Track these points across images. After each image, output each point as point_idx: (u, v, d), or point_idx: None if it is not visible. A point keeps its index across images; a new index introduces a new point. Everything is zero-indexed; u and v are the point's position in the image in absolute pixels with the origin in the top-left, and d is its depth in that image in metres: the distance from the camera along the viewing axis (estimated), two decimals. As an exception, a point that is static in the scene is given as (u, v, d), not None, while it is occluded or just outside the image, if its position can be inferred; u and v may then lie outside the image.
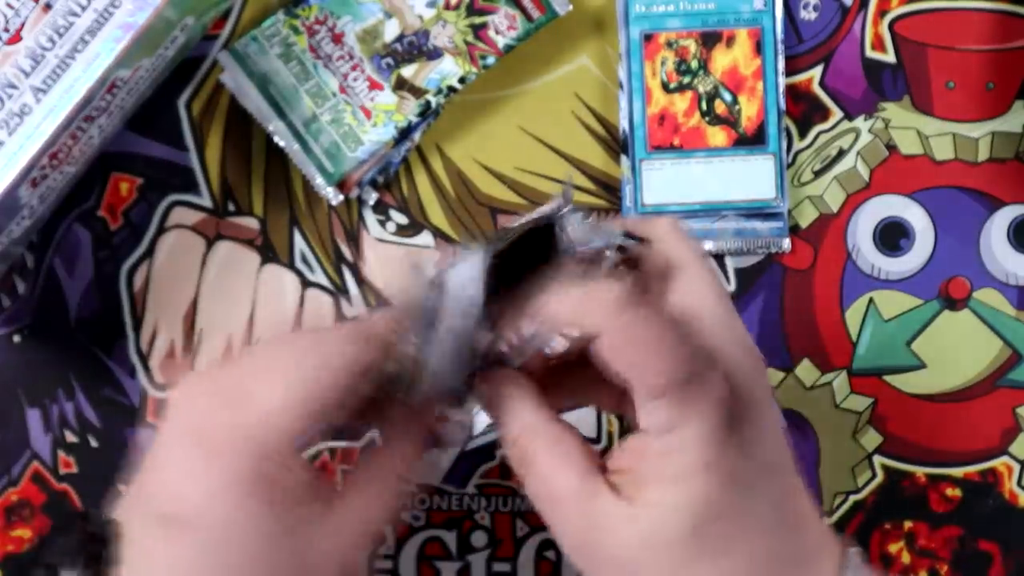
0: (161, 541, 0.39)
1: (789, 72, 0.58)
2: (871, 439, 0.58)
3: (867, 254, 0.58)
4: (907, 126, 0.58)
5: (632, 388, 0.39)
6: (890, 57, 0.58)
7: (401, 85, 0.57)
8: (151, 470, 0.40)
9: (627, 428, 0.59)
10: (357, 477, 0.42)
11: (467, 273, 0.40)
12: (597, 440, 0.58)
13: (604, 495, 0.39)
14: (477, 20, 0.57)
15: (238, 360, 0.42)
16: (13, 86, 0.50)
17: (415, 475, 0.43)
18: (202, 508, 0.38)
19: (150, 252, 0.58)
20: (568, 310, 0.40)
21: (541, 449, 0.41)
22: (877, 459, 0.58)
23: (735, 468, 0.39)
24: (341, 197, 0.57)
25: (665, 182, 0.57)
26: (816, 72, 0.58)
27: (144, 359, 0.58)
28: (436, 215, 0.58)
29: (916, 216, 0.58)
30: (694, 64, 0.57)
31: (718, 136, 0.57)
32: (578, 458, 0.40)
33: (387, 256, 0.58)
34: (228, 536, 0.38)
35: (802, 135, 0.58)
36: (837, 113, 0.58)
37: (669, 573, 0.39)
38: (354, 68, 0.57)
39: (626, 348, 0.39)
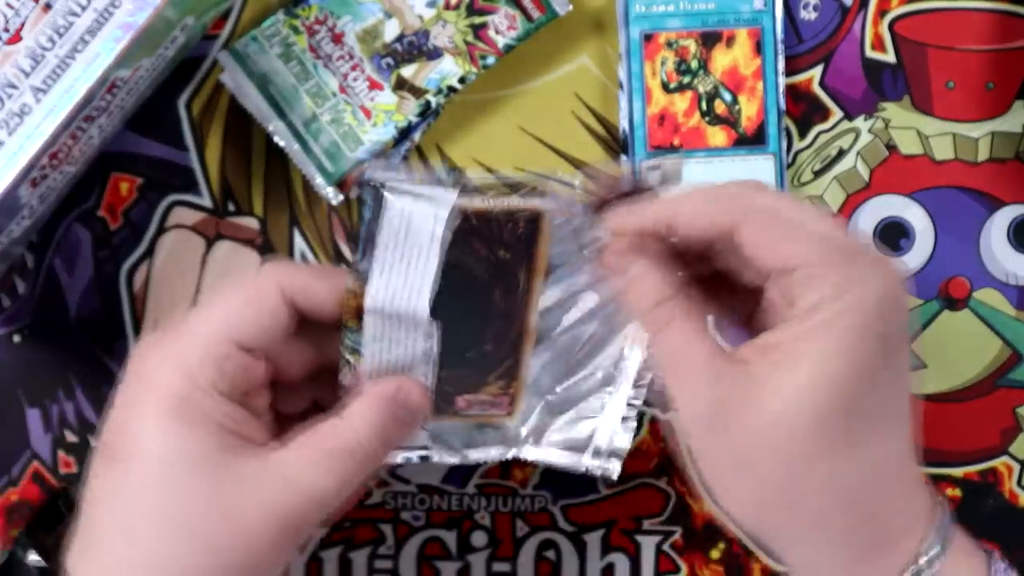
0: (109, 476, 0.40)
1: (789, 72, 0.58)
2: (871, 439, 0.58)
3: (867, 254, 0.58)
4: (907, 126, 0.58)
5: (788, 267, 0.39)
6: (890, 57, 0.58)
7: (401, 85, 0.57)
8: (108, 414, 0.42)
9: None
10: (302, 437, 0.42)
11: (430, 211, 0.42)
12: (597, 440, 0.58)
13: (742, 365, 0.39)
14: (477, 20, 0.57)
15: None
16: (13, 86, 0.50)
17: (372, 449, 0.42)
18: (137, 438, 0.40)
19: (150, 252, 0.58)
20: (702, 209, 0.41)
21: (679, 314, 0.40)
22: (877, 459, 0.58)
23: (879, 358, 0.38)
24: (341, 197, 0.57)
25: (665, 182, 0.57)
26: (816, 72, 0.58)
27: (144, 359, 0.58)
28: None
29: (916, 216, 0.58)
30: (694, 64, 0.57)
31: (718, 136, 0.57)
32: (710, 339, 0.40)
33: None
34: (161, 464, 0.40)
35: (802, 135, 0.58)
36: (837, 113, 0.58)
37: (795, 460, 0.38)
38: (354, 68, 0.57)
39: (776, 228, 0.39)
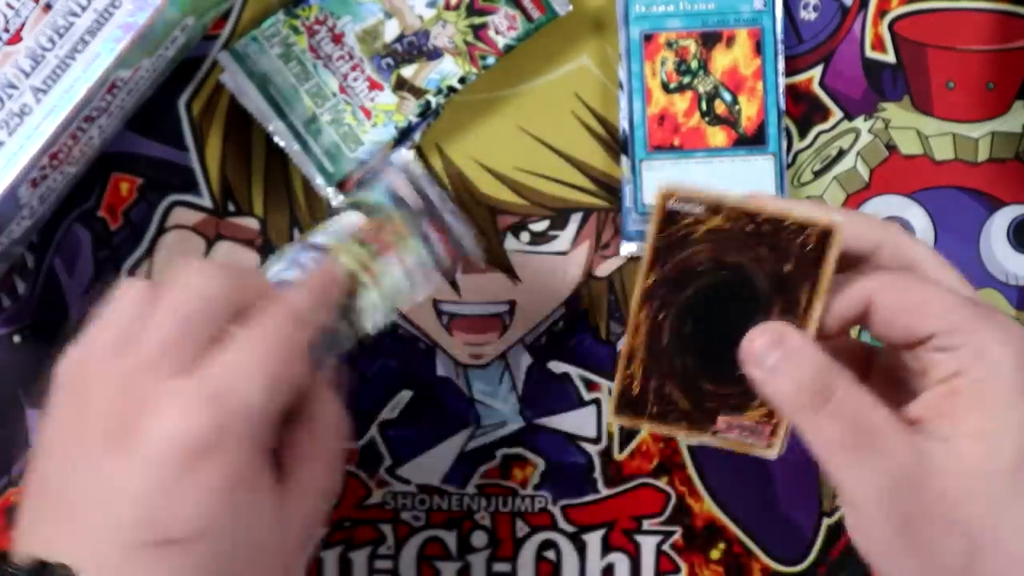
0: (157, 564, 0.38)
1: (789, 72, 0.58)
2: (871, 439, 0.58)
3: (867, 254, 0.58)
4: (907, 126, 0.58)
5: (924, 337, 0.39)
6: (890, 57, 0.58)
7: (401, 85, 0.57)
8: (121, 493, 0.39)
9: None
10: (297, 453, 0.42)
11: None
12: (597, 440, 0.58)
13: (923, 433, 0.39)
14: (477, 20, 0.57)
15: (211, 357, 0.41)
16: (13, 86, 0.50)
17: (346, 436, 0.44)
18: (203, 524, 0.38)
19: (150, 252, 0.58)
20: (859, 288, 0.41)
21: (847, 389, 0.40)
22: (877, 459, 0.58)
23: None
24: (341, 197, 0.57)
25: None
26: (816, 72, 0.58)
27: (144, 359, 0.58)
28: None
29: (916, 216, 0.58)
30: (694, 64, 0.57)
31: (718, 136, 0.57)
32: (882, 402, 0.40)
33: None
34: (226, 540, 0.39)
35: (802, 135, 0.58)
36: (837, 113, 0.58)
37: (1002, 504, 0.39)
38: (354, 68, 0.57)
39: (912, 299, 0.40)
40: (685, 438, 0.45)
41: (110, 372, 0.40)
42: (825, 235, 0.40)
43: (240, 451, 0.39)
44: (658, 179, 0.57)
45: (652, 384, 0.42)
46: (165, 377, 0.39)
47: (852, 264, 0.42)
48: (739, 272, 0.41)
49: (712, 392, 0.42)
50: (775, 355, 0.40)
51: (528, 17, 0.57)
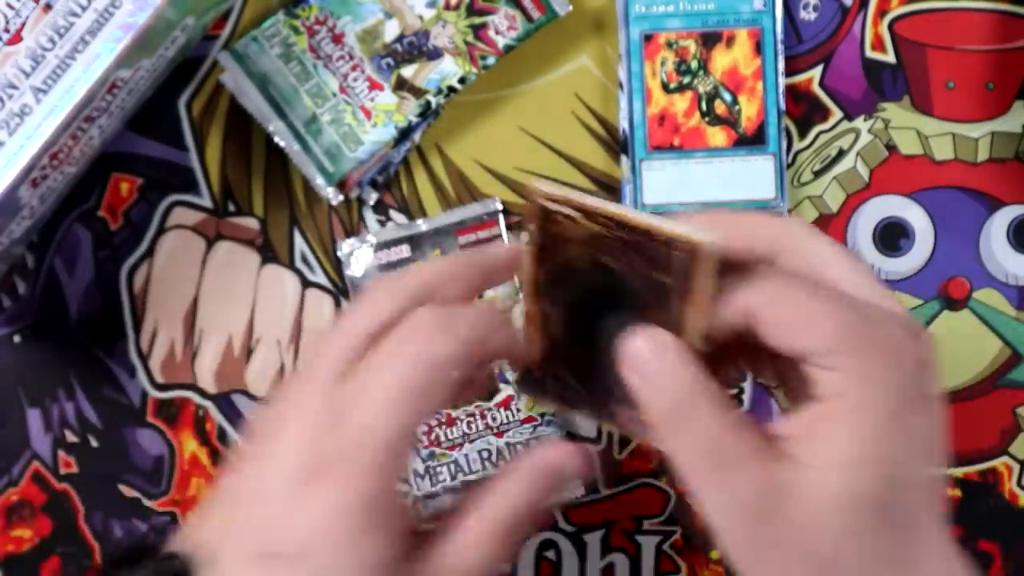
0: (262, 570, 0.37)
1: (789, 72, 0.58)
2: (871, 439, 0.58)
3: (867, 254, 0.58)
4: (907, 126, 0.58)
5: (803, 355, 0.37)
6: (890, 57, 0.58)
7: (401, 85, 0.57)
8: (245, 502, 0.38)
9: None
10: (459, 518, 0.39)
11: None
12: (597, 440, 0.58)
13: (784, 458, 0.37)
14: (477, 20, 0.57)
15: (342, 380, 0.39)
16: (13, 86, 0.50)
17: (529, 516, 0.40)
18: (309, 542, 0.37)
19: (150, 252, 0.58)
20: (740, 300, 0.38)
21: (707, 410, 0.38)
22: (877, 459, 0.58)
23: (920, 430, 0.38)
24: (341, 197, 0.57)
25: (665, 182, 0.57)
26: (816, 72, 0.58)
27: (144, 359, 0.58)
28: (436, 215, 0.58)
29: (916, 216, 0.58)
30: (694, 64, 0.57)
31: (718, 136, 0.57)
32: (748, 422, 0.38)
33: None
34: (339, 570, 0.37)
35: (802, 135, 0.58)
36: (837, 113, 0.58)
37: (859, 538, 0.37)
38: (354, 68, 0.57)
39: (791, 315, 0.38)
40: (592, 421, 0.45)
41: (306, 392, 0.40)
42: (691, 251, 0.38)
43: (359, 475, 0.37)
44: (658, 179, 0.57)
45: (550, 369, 0.42)
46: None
47: (752, 267, 0.40)
48: (615, 276, 0.40)
49: (603, 386, 0.41)
50: (645, 363, 0.39)
51: (528, 17, 0.57)
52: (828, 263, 0.39)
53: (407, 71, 0.57)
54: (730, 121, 0.57)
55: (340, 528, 0.37)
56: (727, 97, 0.57)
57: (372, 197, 0.58)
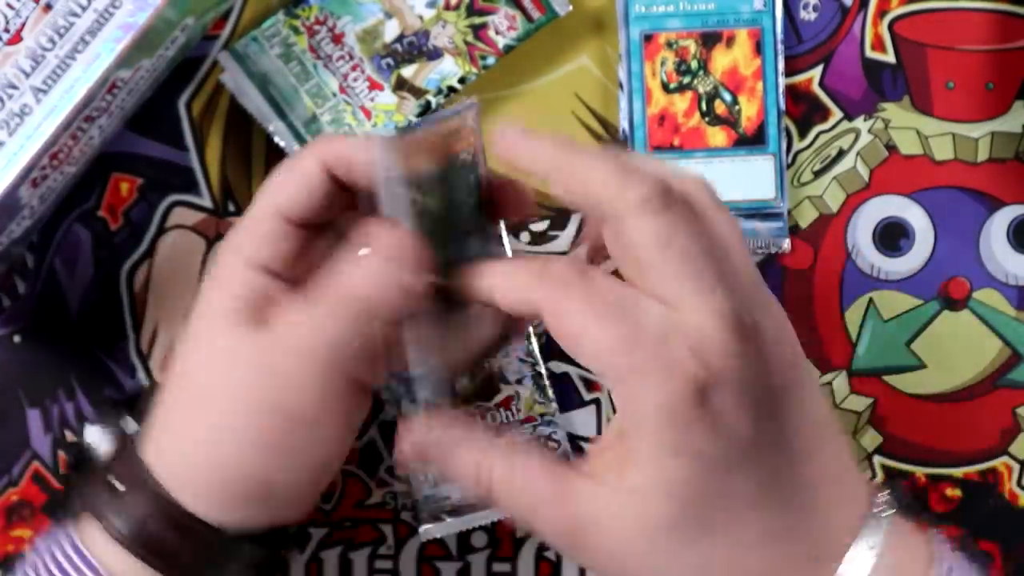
0: (184, 362, 0.46)
1: (789, 72, 0.58)
2: (871, 439, 0.58)
3: (867, 254, 0.58)
4: (907, 126, 0.58)
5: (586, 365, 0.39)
6: (890, 57, 0.58)
7: (401, 85, 0.57)
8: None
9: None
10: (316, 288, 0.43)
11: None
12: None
13: (581, 492, 0.39)
14: (477, 20, 0.57)
15: None
16: (13, 86, 0.50)
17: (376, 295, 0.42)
18: (208, 330, 0.44)
19: (150, 252, 0.58)
20: (508, 287, 0.40)
21: (498, 468, 0.40)
22: (877, 459, 0.58)
23: (708, 444, 0.37)
24: (341, 197, 0.57)
25: (665, 182, 0.57)
26: (816, 72, 0.58)
27: (144, 359, 0.58)
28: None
29: (916, 216, 0.58)
30: (694, 64, 0.57)
31: (718, 136, 0.57)
32: (539, 463, 0.40)
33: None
34: (223, 349, 0.43)
35: (802, 135, 0.58)
36: (837, 113, 0.58)
37: (660, 559, 0.38)
38: (354, 68, 0.57)
39: (565, 326, 0.38)
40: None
41: None
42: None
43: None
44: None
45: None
46: None
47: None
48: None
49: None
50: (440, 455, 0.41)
51: (528, 17, 0.57)
52: (637, 244, 0.39)
53: (407, 71, 0.57)
54: (730, 121, 0.57)
55: (226, 325, 0.44)
56: (727, 97, 0.57)
57: (372, 197, 0.58)
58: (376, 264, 0.41)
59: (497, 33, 0.57)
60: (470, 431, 0.41)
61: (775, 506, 0.39)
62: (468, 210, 0.45)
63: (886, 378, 0.58)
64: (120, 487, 0.43)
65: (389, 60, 0.57)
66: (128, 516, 0.43)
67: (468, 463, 0.40)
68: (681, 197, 0.39)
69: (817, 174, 0.58)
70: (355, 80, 0.57)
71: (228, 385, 0.43)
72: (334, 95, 0.57)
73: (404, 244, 0.41)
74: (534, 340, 0.56)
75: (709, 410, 0.37)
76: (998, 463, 0.59)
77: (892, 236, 0.58)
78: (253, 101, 0.57)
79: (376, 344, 0.41)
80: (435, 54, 0.57)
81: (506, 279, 0.41)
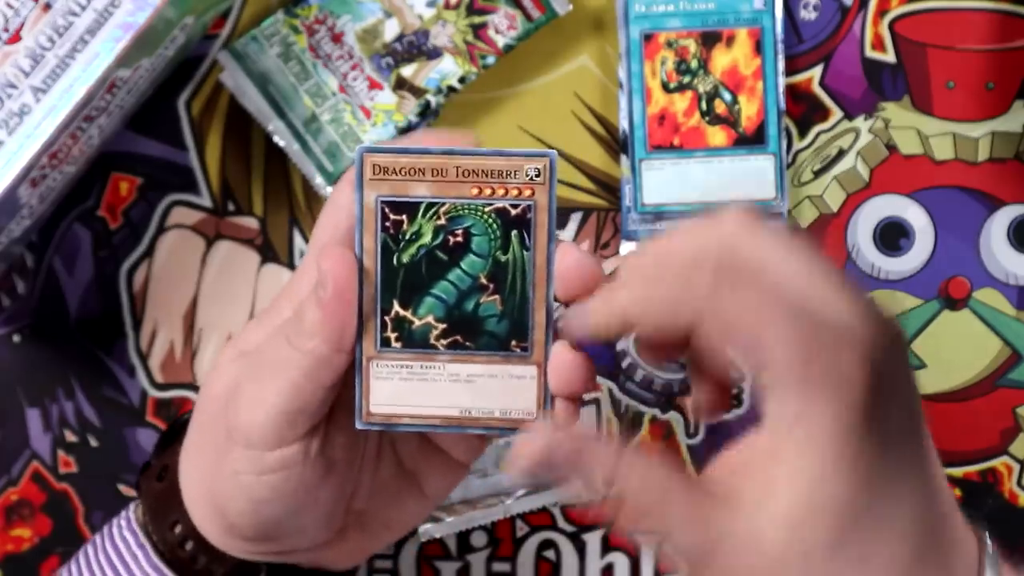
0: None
1: (789, 72, 0.58)
2: (871, 439, 0.58)
3: (867, 254, 0.58)
4: (907, 126, 0.58)
5: (744, 377, 0.35)
6: (890, 57, 0.58)
7: (401, 85, 0.57)
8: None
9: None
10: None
11: None
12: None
13: (721, 511, 0.35)
14: (477, 20, 0.57)
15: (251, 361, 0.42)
16: (13, 86, 0.50)
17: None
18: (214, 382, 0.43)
19: (150, 252, 0.58)
20: (653, 298, 0.36)
21: (635, 479, 0.36)
22: (877, 459, 0.58)
23: (874, 464, 0.34)
24: (341, 197, 0.57)
25: (665, 182, 0.57)
26: (816, 72, 0.58)
27: (144, 359, 0.58)
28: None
29: (916, 216, 0.58)
30: (694, 64, 0.57)
31: (718, 136, 0.57)
32: (678, 476, 0.36)
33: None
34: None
35: (802, 135, 0.58)
36: (837, 113, 0.58)
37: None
38: (354, 68, 0.57)
39: (730, 330, 0.35)
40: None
41: None
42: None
43: None
44: (657, 179, 0.57)
45: None
46: None
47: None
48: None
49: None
50: (563, 456, 0.37)
51: (528, 17, 0.57)
52: (775, 260, 0.35)
53: (407, 70, 0.57)
54: (730, 121, 0.57)
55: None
56: (727, 97, 0.57)
57: (372, 197, 0.58)
58: (299, 350, 0.39)
59: (497, 32, 0.57)
60: (600, 436, 0.38)
61: (928, 532, 0.36)
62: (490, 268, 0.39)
63: (886, 378, 0.58)
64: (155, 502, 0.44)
65: (389, 59, 0.57)
66: (161, 535, 0.44)
67: (603, 467, 0.36)
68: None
69: (817, 174, 0.58)
70: (355, 79, 0.57)
71: (214, 429, 0.42)
72: (333, 94, 0.57)
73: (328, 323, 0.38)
74: None
75: (880, 420, 0.35)
76: (998, 463, 0.59)
77: (892, 236, 0.58)
78: (253, 100, 0.57)
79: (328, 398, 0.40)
80: (435, 53, 0.57)
81: (643, 298, 0.36)
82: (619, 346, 0.58)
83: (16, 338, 0.58)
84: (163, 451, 0.46)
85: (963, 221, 0.58)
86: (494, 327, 0.39)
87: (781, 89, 0.57)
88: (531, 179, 0.38)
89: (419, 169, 0.38)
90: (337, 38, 0.57)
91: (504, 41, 0.57)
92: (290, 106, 0.56)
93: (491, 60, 0.56)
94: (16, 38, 0.50)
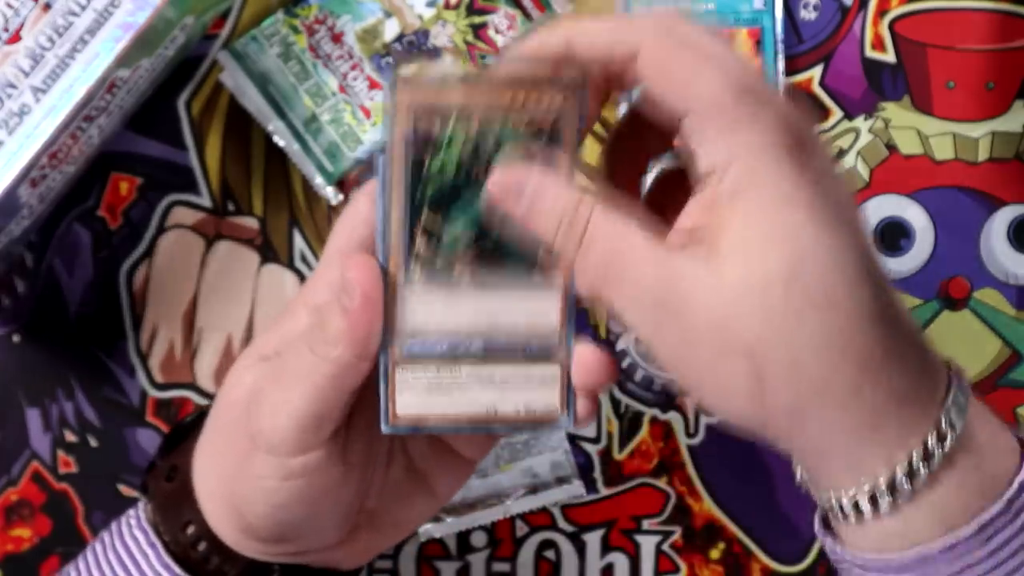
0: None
1: (789, 72, 0.58)
2: (871, 439, 0.58)
3: (867, 254, 0.58)
4: (907, 126, 0.58)
5: (681, 118, 0.36)
6: (890, 57, 0.58)
7: (401, 85, 0.56)
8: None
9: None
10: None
11: None
12: (597, 440, 0.58)
13: (683, 249, 0.36)
14: (477, 20, 0.57)
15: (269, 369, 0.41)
16: (13, 86, 0.50)
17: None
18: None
19: (150, 252, 0.58)
20: (604, 31, 0.37)
21: (600, 208, 0.37)
22: (877, 459, 0.58)
23: (815, 198, 0.35)
24: (341, 197, 0.57)
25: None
26: (816, 72, 0.58)
27: (144, 359, 0.58)
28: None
29: (916, 216, 0.58)
30: (694, 64, 0.57)
31: (718, 136, 0.57)
32: (642, 216, 0.36)
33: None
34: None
35: (802, 135, 0.58)
36: (837, 113, 0.58)
37: (771, 322, 0.35)
38: (354, 68, 0.57)
39: (667, 61, 0.36)
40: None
41: None
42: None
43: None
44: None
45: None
46: None
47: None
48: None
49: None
50: (518, 189, 0.37)
51: (528, 17, 0.57)
52: (709, 39, 0.37)
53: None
54: (730, 121, 0.57)
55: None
56: (727, 97, 0.57)
57: (372, 197, 0.58)
58: (324, 359, 0.39)
59: (497, 33, 0.57)
60: (569, 176, 0.38)
61: (882, 286, 0.36)
62: None
63: (886, 378, 0.58)
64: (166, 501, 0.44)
65: (389, 59, 0.57)
66: (173, 535, 0.44)
67: (565, 203, 0.37)
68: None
69: (817, 174, 0.58)
70: (355, 79, 0.57)
71: (234, 433, 0.42)
72: (333, 94, 0.57)
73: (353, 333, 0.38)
74: None
75: (813, 165, 0.35)
76: (998, 463, 0.58)
77: (892, 236, 0.58)
78: (253, 100, 0.57)
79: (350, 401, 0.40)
80: (435, 53, 0.56)
81: (588, 25, 0.37)
82: (619, 346, 0.58)
83: (16, 338, 0.58)
84: (168, 452, 0.46)
85: (963, 221, 0.58)
86: (520, 249, 0.38)
87: (781, 89, 0.57)
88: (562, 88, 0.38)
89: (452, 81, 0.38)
90: (337, 38, 0.57)
91: (504, 41, 0.57)
92: (290, 106, 0.56)
93: (491, 60, 0.56)
94: (16, 38, 0.50)
